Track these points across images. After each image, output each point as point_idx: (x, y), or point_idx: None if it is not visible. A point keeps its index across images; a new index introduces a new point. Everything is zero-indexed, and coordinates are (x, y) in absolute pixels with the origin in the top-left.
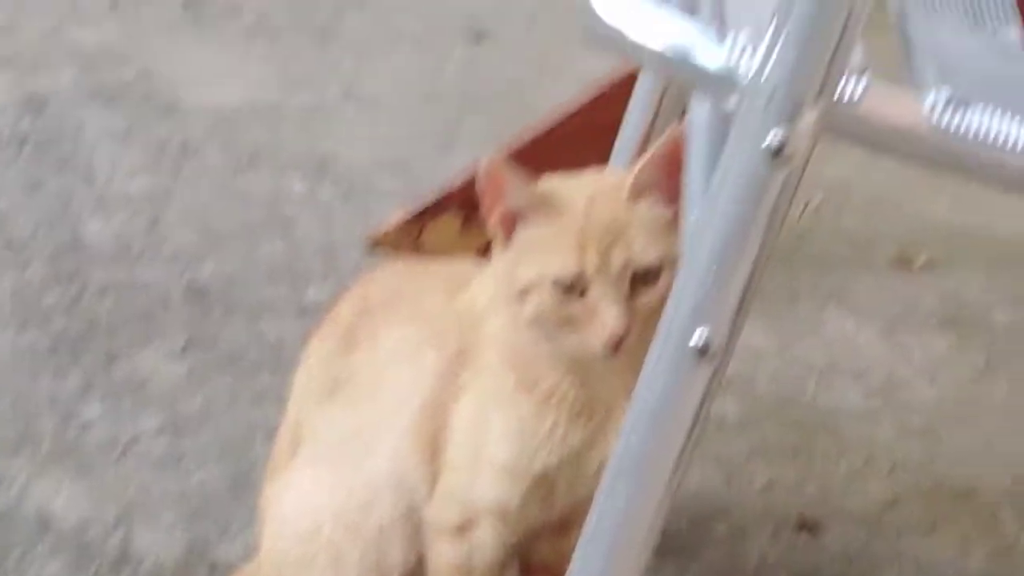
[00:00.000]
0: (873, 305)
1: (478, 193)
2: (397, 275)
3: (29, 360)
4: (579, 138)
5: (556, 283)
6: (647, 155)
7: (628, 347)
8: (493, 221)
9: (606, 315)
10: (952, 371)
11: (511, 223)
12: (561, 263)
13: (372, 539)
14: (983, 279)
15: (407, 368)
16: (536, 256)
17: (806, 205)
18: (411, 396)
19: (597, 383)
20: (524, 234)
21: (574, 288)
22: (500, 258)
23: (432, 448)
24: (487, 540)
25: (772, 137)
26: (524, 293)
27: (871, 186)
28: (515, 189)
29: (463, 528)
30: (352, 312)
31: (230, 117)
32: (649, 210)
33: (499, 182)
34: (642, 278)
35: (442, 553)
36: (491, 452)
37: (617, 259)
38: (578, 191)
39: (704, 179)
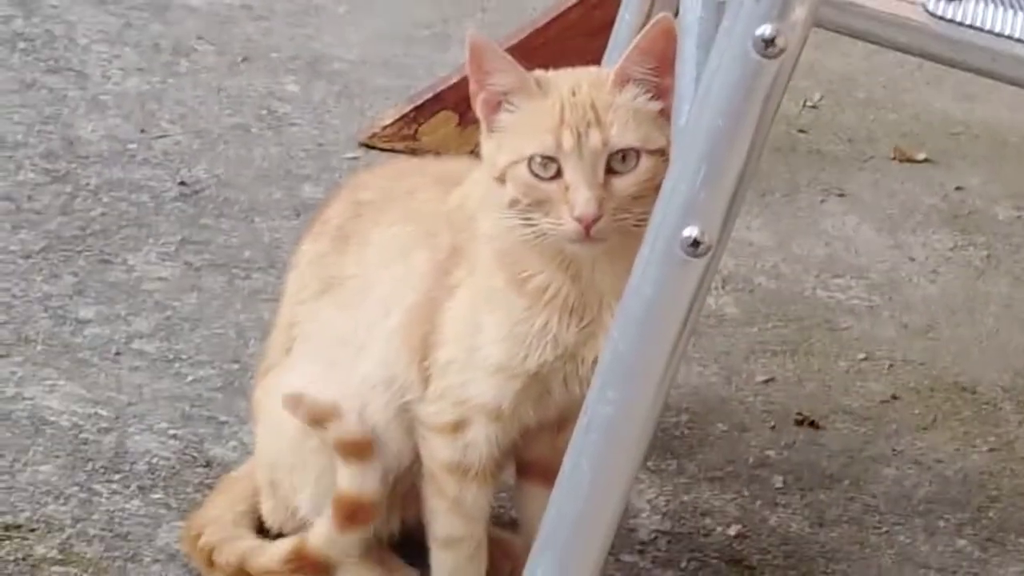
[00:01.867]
0: (873, 201)
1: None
2: (388, 174)
3: (22, 262)
4: (572, 37)
5: (532, 161)
6: (633, 43)
7: (602, 233)
8: (478, 105)
9: (577, 195)
10: (953, 268)
11: (495, 107)
12: (538, 142)
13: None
14: (984, 174)
15: (398, 268)
16: (516, 138)
17: (805, 102)
18: (402, 296)
19: (589, 280)
20: (506, 117)
21: (549, 168)
22: (484, 143)
23: (423, 348)
24: (481, 439)
25: (763, 30)
26: (504, 175)
27: (870, 83)
28: (499, 71)
29: (457, 427)
30: (343, 212)
31: (223, 17)
32: (632, 98)
33: (483, 64)
34: (620, 162)
35: (436, 452)
36: (484, 352)
37: (593, 140)
38: (563, 79)
39: (695, 79)
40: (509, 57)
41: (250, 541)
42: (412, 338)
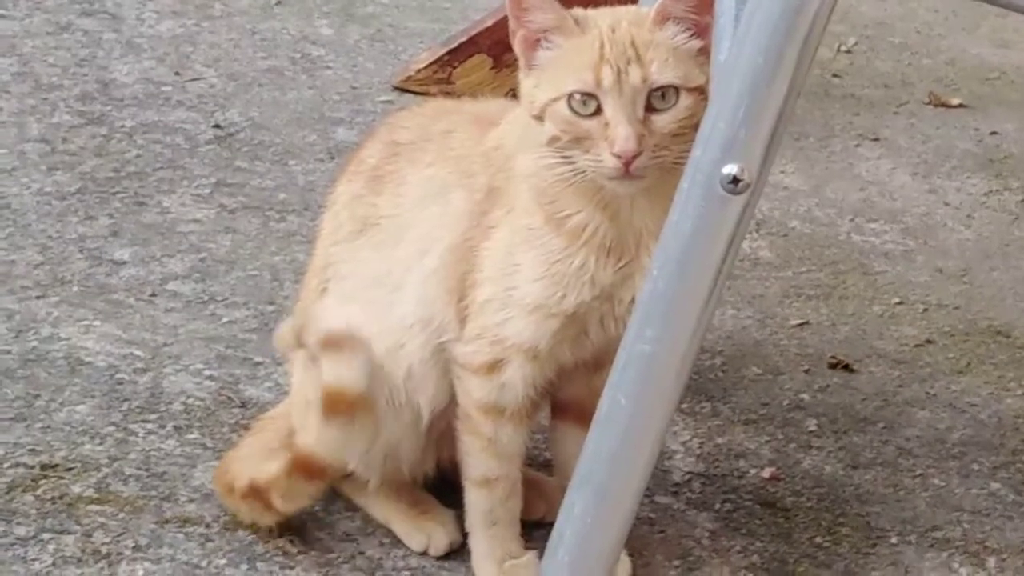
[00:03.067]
0: (908, 146)
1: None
2: (424, 115)
3: (58, 203)
4: None
5: (572, 98)
6: None
7: (641, 170)
8: (516, 43)
9: (617, 132)
10: (987, 212)
11: (534, 45)
12: (577, 79)
13: (400, 379)
14: (1019, 120)
15: (434, 208)
16: (556, 75)
17: (840, 46)
18: (439, 236)
19: (627, 220)
20: (545, 55)
21: (589, 104)
22: (523, 81)
23: (461, 288)
24: (517, 379)
25: None
26: (543, 112)
27: (905, 28)
28: (538, 8)
29: (493, 367)
30: (379, 153)
31: None
32: (672, 37)
33: (522, 1)
34: (660, 100)
35: (472, 391)
36: (522, 292)
37: (633, 76)
38: (602, 17)
39: (734, 17)
40: None
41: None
42: (450, 278)
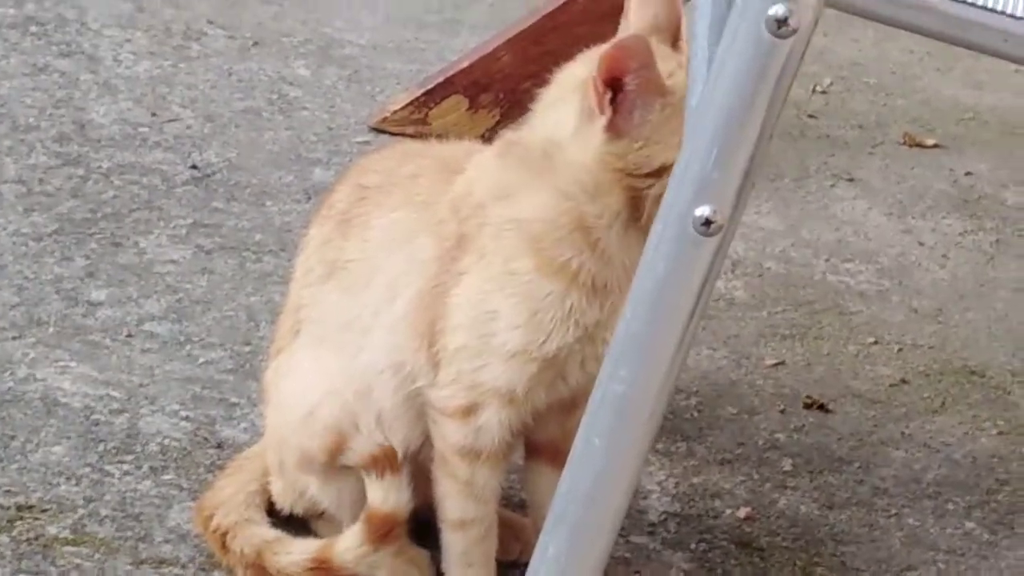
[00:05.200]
0: (883, 186)
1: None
2: (391, 158)
3: (34, 244)
4: (582, 23)
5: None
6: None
7: None
8: (608, 102)
9: None
10: (962, 252)
11: (631, 106)
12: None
13: (372, 423)
14: (994, 160)
15: (402, 253)
16: (673, 135)
17: (815, 87)
18: (407, 282)
19: (615, 260)
20: (647, 115)
21: None
22: (614, 141)
23: (430, 334)
24: (493, 422)
25: (776, 9)
26: (662, 171)
27: (880, 69)
28: (647, 68)
29: (469, 411)
30: (347, 196)
31: (234, 1)
32: None
33: (618, 68)
34: None
35: (448, 435)
36: (501, 338)
37: None
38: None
39: (707, 59)
40: (643, 59)
41: (266, 530)
42: (420, 324)
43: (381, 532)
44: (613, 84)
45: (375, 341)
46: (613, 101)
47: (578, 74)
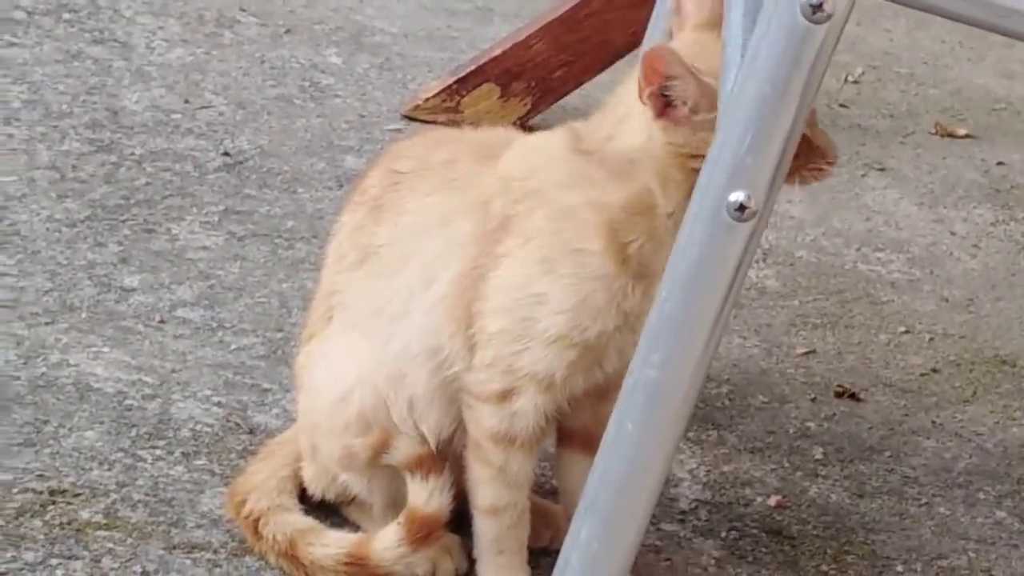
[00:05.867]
0: (914, 176)
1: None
2: (425, 144)
3: (67, 230)
4: (615, 8)
5: None
6: None
7: None
8: (642, 97)
9: (826, 141)
10: (993, 242)
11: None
12: None
13: (404, 409)
14: None
15: (438, 237)
16: None
17: (847, 77)
18: (445, 265)
19: (664, 247)
20: (694, 107)
21: None
22: (671, 129)
23: (468, 316)
24: (529, 408)
25: None
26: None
27: (912, 58)
28: (669, 78)
29: (505, 396)
30: (380, 183)
31: None
32: None
33: (652, 74)
34: None
35: (482, 420)
36: (544, 323)
37: None
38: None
39: (741, 45)
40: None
41: (299, 518)
42: (457, 307)
43: (422, 534)
44: (653, 84)
45: (410, 325)
46: (659, 95)
47: None
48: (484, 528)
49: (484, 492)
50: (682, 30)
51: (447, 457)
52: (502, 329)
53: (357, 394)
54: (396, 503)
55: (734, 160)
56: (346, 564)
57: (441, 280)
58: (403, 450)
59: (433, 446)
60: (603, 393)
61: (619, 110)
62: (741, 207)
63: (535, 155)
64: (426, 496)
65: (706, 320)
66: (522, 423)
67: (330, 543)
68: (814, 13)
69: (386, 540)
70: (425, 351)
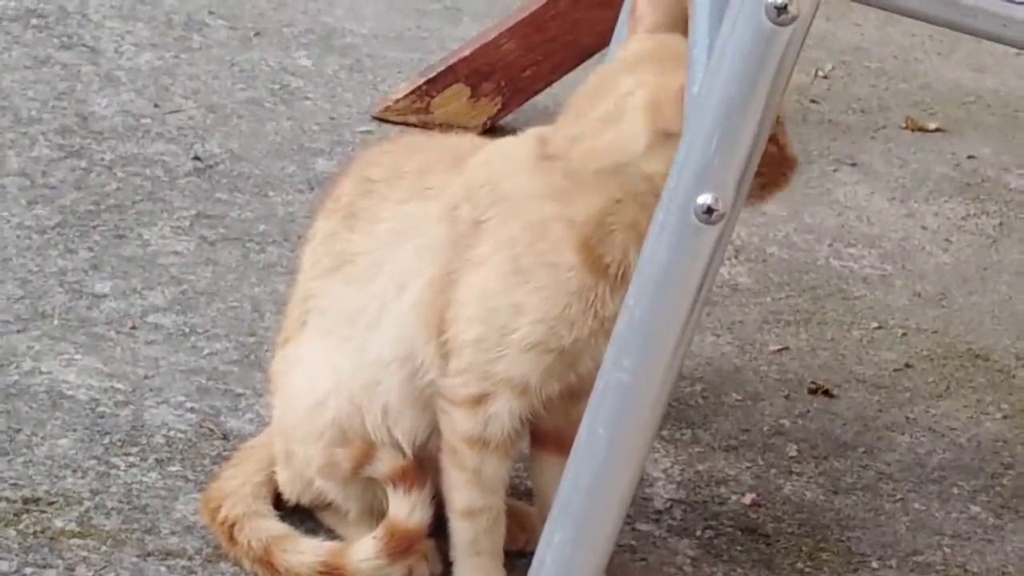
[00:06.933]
0: (885, 171)
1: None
2: (396, 152)
3: (38, 237)
4: (583, 8)
5: None
6: None
7: None
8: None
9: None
10: (965, 236)
11: None
12: None
13: (379, 416)
14: (996, 144)
15: (411, 245)
16: None
17: (817, 72)
18: (418, 272)
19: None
20: None
21: None
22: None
23: (440, 322)
24: (504, 412)
25: None
26: None
27: (882, 53)
28: None
29: (479, 400)
30: (353, 190)
31: None
32: None
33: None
34: None
35: (457, 424)
36: (522, 332)
37: None
38: None
39: (708, 47)
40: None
41: (274, 524)
42: (430, 313)
43: (401, 547)
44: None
45: (382, 333)
46: None
47: (625, 87)
48: (460, 531)
49: (459, 495)
50: (635, 32)
51: (422, 461)
52: (478, 337)
53: (333, 401)
54: (372, 509)
55: (701, 162)
56: (321, 573)
57: (412, 287)
58: (386, 462)
59: (408, 452)
60: (576, 395)
61: (601, 108)
62: (709, 210)
63: (501, 161)
64: (408, 510)
65: (676, 323)
66: (496, 427)
67: (305, 551)
68: (779, 15)
69: (363, 552)
70: (398, 359)
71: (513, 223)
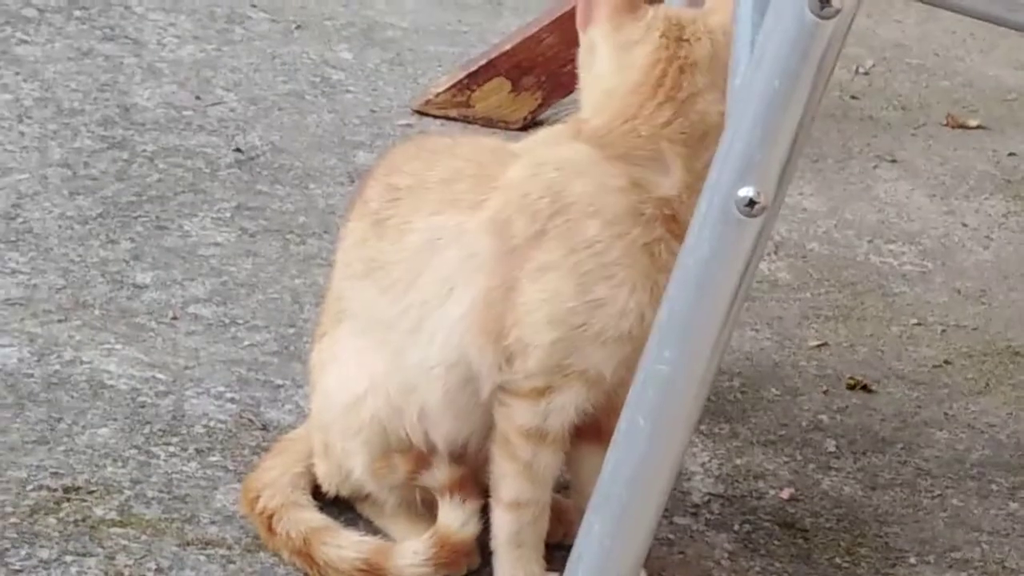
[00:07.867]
0: (926, 168)
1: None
2: (417, 159)
3: (80, 227)
4: None
5: None
6: None
7: None
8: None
9: None
10: (1006, 233)
11: None
12: None
13: (415, 418)
14: None
15: (451, 256)
16: None
17: (858, 69)
18: (464, 282)
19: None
20: None
21: None
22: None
23: (499, 330)
24: (569, 403)
25: None
26: None
27: (923, 50)
28: None
29: (544, 392)
30: (379, 196)
31: None
32: None
33: None
34: None
35: (516, 416)
36: (603, 325)
37: None
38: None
39: (750, 41)
40: None
41: (313, 515)
42: (487, 322)
43: (450, 559)
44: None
45: (426, 339)
46: None
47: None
48: (504, 522)
49: (508, 486)
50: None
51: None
52: (554, 340)
53: (369, 400)
54: (409, 502)
55: (744, 155)
56: (361, 570)
57: (459, 297)
58: (444, 471)
59: (444, 452)
60: (614, 385)
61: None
62: (751, 203)
63: (556, 171)
64: (461, 521)
65: (717, 316)
66: (557, 420)
67: (346, 545)
68: (822, 8)
69: (409, 556)
70: (444, 364)
71: (590, 224)
